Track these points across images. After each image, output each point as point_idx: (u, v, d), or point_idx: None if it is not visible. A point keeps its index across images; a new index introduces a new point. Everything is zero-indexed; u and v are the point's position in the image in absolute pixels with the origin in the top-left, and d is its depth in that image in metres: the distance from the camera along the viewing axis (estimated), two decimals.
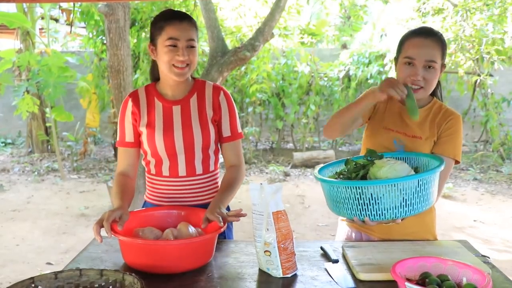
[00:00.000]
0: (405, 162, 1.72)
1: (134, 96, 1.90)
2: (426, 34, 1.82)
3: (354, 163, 1.71)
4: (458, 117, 1.87)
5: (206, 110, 1.88)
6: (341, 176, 1.71)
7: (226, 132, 1.92)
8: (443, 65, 1.85)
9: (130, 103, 1.88)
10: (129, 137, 1.88)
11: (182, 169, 1.88)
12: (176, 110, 1.86)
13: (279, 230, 1.50)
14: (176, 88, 1.88)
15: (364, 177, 1.62)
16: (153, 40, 1.83)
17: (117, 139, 1.92)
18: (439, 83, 1.92)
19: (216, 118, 1.90)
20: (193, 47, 1.79)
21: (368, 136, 1.98)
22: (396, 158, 1.73)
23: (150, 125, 1.85)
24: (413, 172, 1.59)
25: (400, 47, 1.88)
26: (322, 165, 1.80)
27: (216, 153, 1.96)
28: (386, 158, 1.69)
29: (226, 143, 1.94)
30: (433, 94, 1.93)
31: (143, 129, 1.86)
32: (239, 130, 1.96)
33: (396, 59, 1.90)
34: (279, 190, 1.52)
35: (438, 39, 1.82)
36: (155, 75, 1.93)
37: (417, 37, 1.82)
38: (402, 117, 1.91)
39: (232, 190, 1.87)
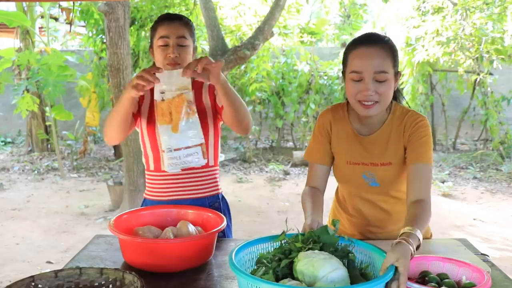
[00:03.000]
0: (356, 253, 1.38)
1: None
2: (371, 42, 1.61)
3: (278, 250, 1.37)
4: (424, 120, 1.70)
5: (203, 93, 1.94)
6: (262, 264, 1.34)
7: (220, 102, 1.87)
8: (397, 73, 1.65)
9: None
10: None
11: None
12: None
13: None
14: None
15: (290, 264, 1.31)
16: (151, 43, 1.93)
17: None
18: (397, 90, 1.74)
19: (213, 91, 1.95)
20: (184, 45, 1.85)
21: (338, 171, 1.81)
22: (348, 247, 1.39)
23: (151, 119, 1.88)
24: (337, 271, 1.23)
25: (345, 60, 1.67)
26: (240, 245, 1.38)
27: (216, 148, 1.97)
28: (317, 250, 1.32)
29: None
30: (394, 98, 1.73)
31: (144, 121, 1.91)
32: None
33: (343, 73, 1.69)
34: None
35: (385, 45, 1.61)
36: None
37: (361, 46, 1.61)
38: (363, 144, 1.74)
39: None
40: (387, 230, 1.83)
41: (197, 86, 1.93)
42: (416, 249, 1.32)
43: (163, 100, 1.60)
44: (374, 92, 1.59)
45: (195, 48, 1.96)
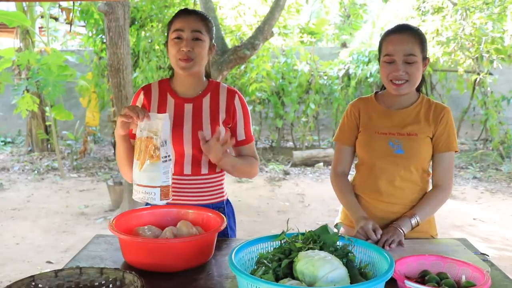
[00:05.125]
0: (356, 253, 1.39)
1: (147, 89, 1.90)
2: (402, 30, 1.84)
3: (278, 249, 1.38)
4: (448, 110, 1.91)
5: (219, 112, 1.88)
6: (262, 264, 1.35)
7: (240, 136, 1.93)
8: (425, 59, 1.86)
9: (141, 96, 1.90)
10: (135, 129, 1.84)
11: (187, 168, 1.87)
12: (188, 108, 1.87)
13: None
14: (188, 86, 1.89)
15: (290, 264, 1.32)
16: (167, 39, 1.88)
17: None
18: (423, 78, 1.92)
19: (228, 122, 1.90)
20: (199, 39, 1.80)
21: (363, 143, 1.96)
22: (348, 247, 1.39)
23: None
24: (337, 271, 1.24)
25: (380, 48, 1.90)
26: (240, 244, 1.39)
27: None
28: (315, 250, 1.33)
29: (241, 146, 1.95)
30: (418, 89, 1.95)
31: None
32: (252, 133, 1.98)
33: (379, 60, 1.91)
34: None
35: (415, 33, 1.84)
36: (172, 72, 1.95)
37: (393, 34, 1.85)
38: (392, 117, 1.92)
39: (247, 164, 1.93)
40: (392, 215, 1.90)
41: (213, 97, 1.91)
42: (412, 229, 1.81)
43: (140, 137, 1.67)
44: (404, 72, 1.80)
45: (212, 46, 1.89)
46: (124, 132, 1.69)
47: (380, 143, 1.90)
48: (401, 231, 1.75)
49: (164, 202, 1.66)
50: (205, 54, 1.84)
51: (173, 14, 1.91)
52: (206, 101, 1.88)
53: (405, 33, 1.83)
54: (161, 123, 1.63)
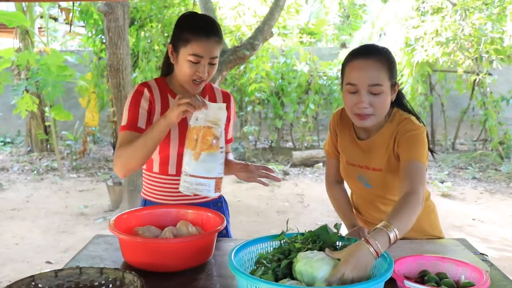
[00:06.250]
0: None
1: (148, 86, 1.85)
2: (367, 54, 1.62)
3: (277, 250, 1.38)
4: (420, 129, 1.65)
5: None
6: (261, 264, 1.35)
7: (229, 135, 2.04)
8: (395, 85, 1.65)
9: (146, 91, 1.82)
10: (142, 122, 1.78)
11: None
12: None
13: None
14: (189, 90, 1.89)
15: (290, 264, 1.32)
16: (175, 45, 1.78)
17: (123, 123, 1.79)
18: (400, 93, 1.74)
19: (225, 124, 1.93)
20: (214, 64, 1.78)
21: (341, 169, 1.91)
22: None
23: None
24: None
25: (342, 72, 1.69)
26: (239, 244, 1.39)
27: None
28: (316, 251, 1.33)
29: (227, 144, 2.02)
30: (398, 104, 1.74)
31: None
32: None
33: (341, 84, 1.71)
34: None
35: (382, 57, 1.61)
36: (167, 71, 1.91)
37: (357, 59, 1.62)
38: (359, 147, 1.79)
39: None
40: None
41: (211, 100, 1.93)
42: (393, 243, 1.31)
43: (194, 126, 1.61)
44: (369, 105, 1.60)
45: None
46: (178, 120, 1.61)
47: (352, 175, 1.84)
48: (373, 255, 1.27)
49: (217, 194, 1.64)
50: (216, 68, 1.83)
51: (183, 17, 1.82)
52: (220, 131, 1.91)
53: (370, 58, 1.60)
54: (221, 112, 1.60)
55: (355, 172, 1.81)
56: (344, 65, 1.67)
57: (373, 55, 1.61)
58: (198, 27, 1.73)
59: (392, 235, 1.30)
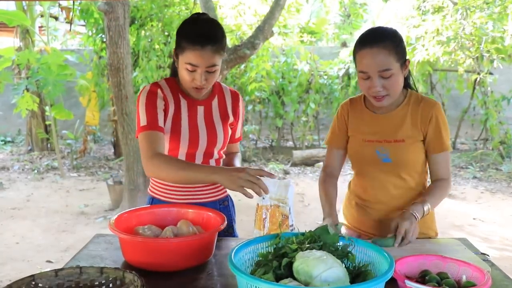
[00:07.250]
0: (356, 253, 1.37)
1: (160, 86, 1.83)
2: (373, 42, 1.70)
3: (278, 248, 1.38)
4: (438, 106, 1.82)
5: (229, 115, 1.94)
6: (262, 264, 1.34)
7: (237, 134, 2.06)
8: (405, 62, 1.75)
9: (159, 91, 1.81)
10: (161, 122, 1.78)
11: None
12: (200, 110, 1.88)
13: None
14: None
15: (291, 264, 1.30)
16: (176, 51, 1.78)
17: (143, 123, 1.76)
18: (409, 73, 1.84)
19: (233, 123, 1.98)
20: (213, 72, 1.74)
21: (353, 151, 1.93)
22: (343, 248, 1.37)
23: (177, 120, 1.83)
24: (331, 270, 1.23)
25: (354, 60, 1.79)
26: (240, 244, 1.37)
27: (224, 154, 2.02)
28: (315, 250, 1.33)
29: (235, 143, 2.10)
30: (406, 86, 1.87)
31: (169, 122, 1.83)
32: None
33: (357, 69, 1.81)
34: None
35: (388, 42, 1.69)
36: (177, 71, 1.87)
37: (364, 47, 1.71)
38: (378, 122, 1.86)
39: (240, 160, 2.09)
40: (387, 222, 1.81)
41: (221, 99, 1.94)
42: (426, 214, 1.71)
43: (262, 205, 1.57)
44: (382, 88, 1.72)
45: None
46: (233, 190, 1.57)
47: (368, 152, 1.85)
48: (416, 218, 1.65)
49: None
50: (218, 74, 1.80)
51: (184, 23, 1.77)
52: (215, 104, 1.92)
53: (377, 45, 1.68)
54: (287, 189, 1.57)
55: (374, 148, 1.84)
56: (355, 53, 1.77)
57: (379, 41, 1.69)
58: (194, 35, 1.69)
59: (426, 208, 1.69)
